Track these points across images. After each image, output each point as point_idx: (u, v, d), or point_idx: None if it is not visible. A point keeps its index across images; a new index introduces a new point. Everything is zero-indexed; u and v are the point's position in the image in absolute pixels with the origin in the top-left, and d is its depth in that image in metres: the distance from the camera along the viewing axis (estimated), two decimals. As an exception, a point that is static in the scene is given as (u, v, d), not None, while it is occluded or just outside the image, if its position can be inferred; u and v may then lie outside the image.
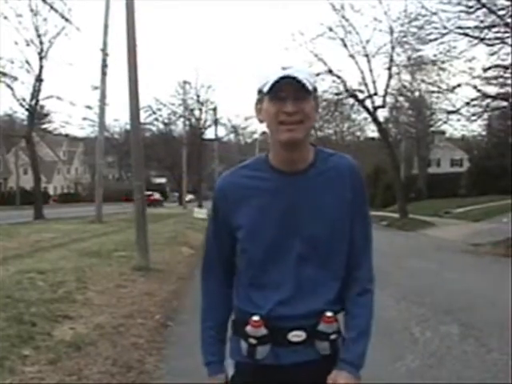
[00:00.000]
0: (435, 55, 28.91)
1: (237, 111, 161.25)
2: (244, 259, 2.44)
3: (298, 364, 2.36)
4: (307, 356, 2.36)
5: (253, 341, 2.35)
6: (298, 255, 2.36)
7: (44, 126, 76.58)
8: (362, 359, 2.39)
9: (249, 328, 2.35)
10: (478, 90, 27.85)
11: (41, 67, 37.98)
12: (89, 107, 41.41)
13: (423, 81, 38.15)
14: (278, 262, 2.37)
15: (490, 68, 26.89)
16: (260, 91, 2.36)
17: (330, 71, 37.08)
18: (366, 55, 37.30)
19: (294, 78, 2.24)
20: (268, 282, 2.38)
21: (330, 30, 36.28)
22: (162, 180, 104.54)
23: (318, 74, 36.60)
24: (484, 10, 24.24)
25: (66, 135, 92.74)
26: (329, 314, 2.35)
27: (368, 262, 2.50)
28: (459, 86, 29.00)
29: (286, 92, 2.26)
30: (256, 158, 2.52)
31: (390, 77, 38.17)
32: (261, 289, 2.39)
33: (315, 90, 2.36)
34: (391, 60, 36.76)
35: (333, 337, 2.38)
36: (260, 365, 2.37)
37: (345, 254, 2.42)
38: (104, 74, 30.38)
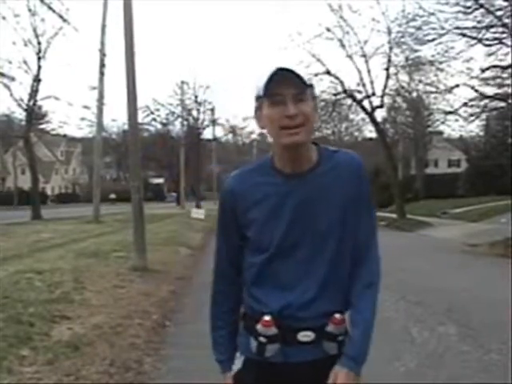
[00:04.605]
0: (433, 56, 28.89)
1: (235, 111, 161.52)
2: (254, 258, 2.46)
3: (305, 362, 2.40)
4: (314, 355, 2.40)
5: (263, 339, 2.39)
6: (307, 255, 2.40)
7: (42, 127, 76.50)
8: (364, 355, 2.43)
9: (259, 327, 2.38)
10: (476, 91, 27.89)
11: (39, 67, 38.10)
12: (86, 107, 41.48)
13: (421, 81, 38.12)
14: (287, 262, 2.40)
15: (487, 68, 26.91)
16: (258, 98, 2.38)
17: (328, 72, 37.05)
18: (364, 56, 37.26)
19: (290, 71, 2.25)
20: (278, 281, 2.41)
21: (328, 30, 36.24)
22: (160, 180, 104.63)
23: (316, 75, 36.62)
24: (482, 10, 24.24)
25: (64, 135, 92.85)
26: (337, 316, 2.40)
27: (374, 256, 2.53)
28: (457, 86, 29.03)
29: (284, 93, 2.27)
30: (262, 161, 2.54)
31: (388, 77, 38.15)
32: (271, 288, 2.42)
33: (312, 87, 2.36)
34: (389, 60, 36.74)
35: (340, 338, 2.42)
36: (268, 362, 2.41)
37: (350, 252, 2.45)
38: (102, 74, 30.46)
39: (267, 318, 2.37)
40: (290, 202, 2.38)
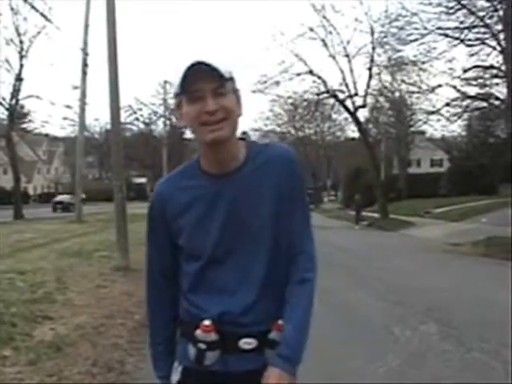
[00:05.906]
0: (415, 56, 29.16)
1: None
2: (188, 267, 2.33)
3: (246, 372, 2.25)
4: (256, 364, 2.23)
5: (202, 346, 2.24)
6: (243, 259, 2.26)
7: (24, 126, 76.11)
8: (299, 354, 2.24)
9: (199, 332, 2.24)
10: (458, 91, 28.07)
11: (21, 66, 37.96)
12: (69, 107, 41.32)
13: (403, 81, 38.44)
14: (223, 269, 2.26)
15: (470, 69, 27.08)
16: (176, 95, 2.27)
17: (311, 71, 37.16)
18: (347, 55, 37.46)
19: (206, 65, 2.12)
20: (215, 289, 2.27)
21: (311, 30, 36.44)
22: (143, 180, 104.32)
23: (298, 74, 36.79)
24: (464, 11, 24.43)
25: (46, 135, 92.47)
26: (280, 322, 2.25)
27: (307, 252, 2.36)
28: (439, 86, 29.22)
29: (203, 88, 2.15)
30: (188, 163, 2.41)
31: (371, 77, 38.38)
32: (209, 294, 2.28)
33: (232, 80, 2.22)
34: (372, 60, 36.97)
35: None
36: (208, 371, 2.26)
37: (286, 250, 2.31)
38: (84, 73, 30.36)
39: (207, 322, 2.22)
40: (219, 205, 2.25)
